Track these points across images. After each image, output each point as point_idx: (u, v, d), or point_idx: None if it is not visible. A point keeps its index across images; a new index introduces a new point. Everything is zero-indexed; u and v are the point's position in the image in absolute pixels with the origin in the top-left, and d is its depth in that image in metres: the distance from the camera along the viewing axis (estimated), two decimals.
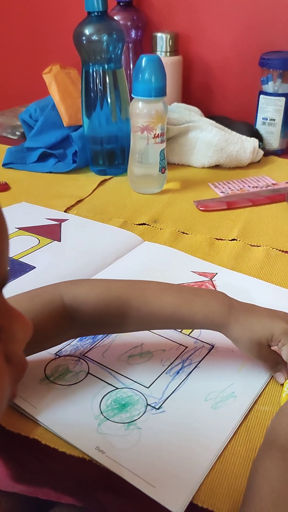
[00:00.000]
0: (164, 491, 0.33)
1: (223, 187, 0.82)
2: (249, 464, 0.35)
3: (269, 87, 0.93)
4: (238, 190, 0.81)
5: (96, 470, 0.35)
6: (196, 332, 0.48)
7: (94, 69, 0.80)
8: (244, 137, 0.90)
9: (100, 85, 0.81)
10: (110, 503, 0.36)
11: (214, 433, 0.37)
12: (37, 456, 0.37)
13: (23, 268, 0.56)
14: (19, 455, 0.38)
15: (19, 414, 0.38)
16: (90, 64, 0.80)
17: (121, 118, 0.84)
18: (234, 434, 0.37)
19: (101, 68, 0.80)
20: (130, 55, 1.04)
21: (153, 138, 0.75)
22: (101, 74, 0.80)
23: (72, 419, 0.38)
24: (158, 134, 0.75)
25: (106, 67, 0.80)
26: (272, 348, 0.41)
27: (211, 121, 0.91)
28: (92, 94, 0.82)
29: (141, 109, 0.74)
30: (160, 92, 0.72)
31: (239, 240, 0.65)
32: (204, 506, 0.32)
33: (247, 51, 1.02)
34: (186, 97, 1.07)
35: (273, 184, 0.84)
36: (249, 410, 0.39)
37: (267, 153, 0.97)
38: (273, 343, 0.40)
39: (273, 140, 0.97)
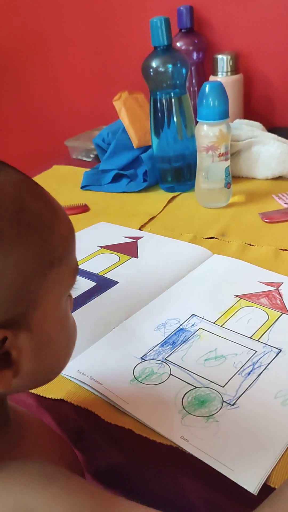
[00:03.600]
0: (241, 473, 0.38)
1: (287, 198, 0.86)
2: None
3: None
4: None
5: (180, 457, 0.41)
6: (265, 337, 0.53)
7: (162, 96, 0.87)
8: None
9: (167, 108, 0.88)
10: (189, 487, 0.42)
11: (283, 426, 0.42)
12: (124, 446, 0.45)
13: (108, 283, 0.64)
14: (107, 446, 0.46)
15: (115, 409, 0.46)
16: (157, 92, 0.87)
17: (187, 136, 0.91)
18: None
19: (168, 96, 0.87)
20: (193, 76, 1.11)
21: (218, 156, 0.81)
22: (168, 100, 0.87)
23: (159, 413, 0.45)
24: (223, 153, 0.81)
25: (172, 94, 0.87)
26: None
27: (273, 135, 0.95)
28: (159, 115, 0.89)
29: (206, 131, 0.80)
30: (223, 115, 0.78)
31: None
32: (277, 487, 0.38)
33: None
34: (248, 112, 1.12)
35: None
36: None
37: None
38: None
39: None
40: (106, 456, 0.47)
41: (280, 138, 0.95)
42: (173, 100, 0.88)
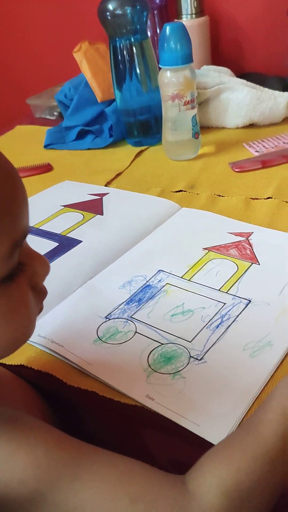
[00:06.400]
0: (208, 428, 0.37)
1: (258, 146, 0.83)
2: None
3: None
4: (273, 147, 0.82)
5: (146, 415, 0.39)
6: (234, 289, 0.51)
7: (121, 43, 0.82)
8: (276, 92, 0.90)
9: (128, 57, 0.83)
10: (158, 442, 0.40)
11: (252, 379, 0.41)
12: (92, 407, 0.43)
13: (71, 243, 0.61)
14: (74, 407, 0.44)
15: (78, 371, 0.44)
16: (117, 38, 0.82)
17: (152, 87, 0.86)
18: (270, 378, 0.41)
19: (127, 41, 0.81)
20: (156, 21, 1.05)
21: (184, 105, 0.77)
22: (128, 47, 0.82)
23: (123, 372, 0.43)
24: (189, 100, 0.77)
25: (132, 39, 0.81)
26: None
27: (242, 80, 0.91)
28: (121, 67, 0.84)
29: (169, 78, 0.75)
30: (187, 59, 0.74)
31: (275, 198, 0.67)
32: None
33: (275, 1, 0.99)
34: (216, 58, 1.07)
35: None
36: (285, 356, 0.42)
37: None
38: None
39: None
40: (70, 420, 0.45)
41: (249, 83, 0.91)
42: (134, 47, 0.82)
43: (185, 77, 0.75)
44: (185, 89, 0.76)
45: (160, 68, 0.77)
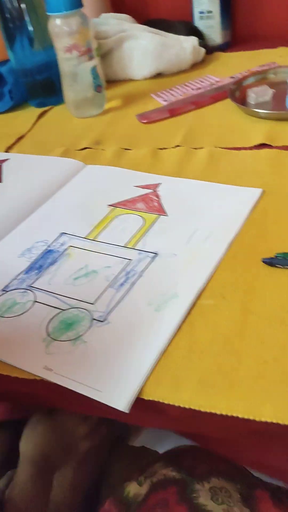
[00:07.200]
0: (111, 393, 0.34)
1: (166, 95, 0.79)
2: (192, 355, 0.36)
3: None
4: (181, 95, 0.78)
5: (50, 388, 0.36)
6: (140, 244, 0.48)
7: None
8: (182, 37, 0.86)
9: (16, 12, 0.75)
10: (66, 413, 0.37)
11: (158, 333, 0.38)
12: None
13: None
14: None
15: None
16: None
17: (47, 42, 0.79)
18: (178, 330, 0.38)
19: None
20: None
21: (80, 56, 0.71)
22: None
23: (20, 346, 0.39)
24: (85, 50, 0.71)
25: None
26: None
27: (144, 26, 0.86)
28: (9, 23, 0.76)
29: (60, 27, 0.69)
30: (75, 3, 0.68)
31: (182, 146, 0.64)
32: (150, 398, 0.34)
33: None
34: (116, 5, 1.00)
35: (217, 82, 0.80)
36: (193, 306, 0.40)
37: (211, 50, 0.92)
38: None
39: (215, 34, 0.92)
40: None
41: (152, 29, 0.86)
42: None
43: (78, 24, 0.69)
44: (78, 38, 0.70)
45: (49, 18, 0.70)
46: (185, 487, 0.46)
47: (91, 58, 0.73)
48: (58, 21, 0.69)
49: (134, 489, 0.48)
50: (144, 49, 0.84)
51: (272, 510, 0.45)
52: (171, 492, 0.45)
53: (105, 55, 0.85)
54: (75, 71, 0.73)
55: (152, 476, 0.49)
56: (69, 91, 0.76)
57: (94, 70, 0.74)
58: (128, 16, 0.89)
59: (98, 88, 0.75)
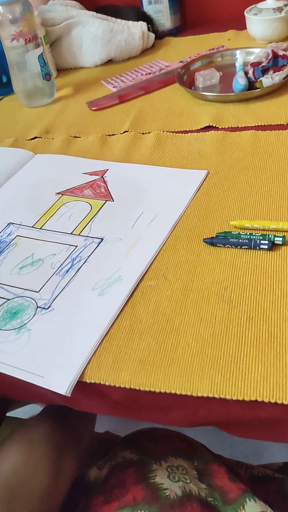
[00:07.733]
0: (52, 378, 0.35)
1: (116, 82, 0.79)
2: (133, 335, 0.37)
3: None
4: (131, 81, 0.78)
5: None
6: (86, 230, 0.48)
7: None
8: (130, 22, 0.85)
9: None
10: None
11: (100, 317, 0.38)
12: None
13: None
14: None
15: None
16: None
17: None
18: (120, 312, 0.39)
19: None
20: None
21: (26, 44, 0.70)
22: None
23: None
24: (30, 38, 0.70)
25: None
26: None
27: (91, 12, 0.85)
28: None
29: (3, 14, 0.68)
30: None
31: (131, 131, 0.64)
32: (92, 381, 0.34)
33: None
34: None
35: (166, 66, 0.80)
36: (135, 288, 0.41)
37: (161, 35, 0.92)
38: None
39: (164, 19, 0.92)
40: None
41: (100, 15, 0.85)
42: None
43: (21, 11, 0.68)
44: (23, 25, 0.69)
45: None
46: (143, 467, 0.47)
47: (37, 45, 0.72)
48: (1, 9, 0.68)
49: (94, 473, 0.49)
50: (92, 35, 0.83)
51: (227, 484, 0.46)
52: (129, 473, 0.46)
53: (54, 43, 0.84)
54: (22, 60, 0.72)
55: (112, 459, 0.50)
56: (17, 80, 0.75)
57: (41, 58, 0.73)
58: (76, 2, 0.88)
59: (47, 76, 0.74)
